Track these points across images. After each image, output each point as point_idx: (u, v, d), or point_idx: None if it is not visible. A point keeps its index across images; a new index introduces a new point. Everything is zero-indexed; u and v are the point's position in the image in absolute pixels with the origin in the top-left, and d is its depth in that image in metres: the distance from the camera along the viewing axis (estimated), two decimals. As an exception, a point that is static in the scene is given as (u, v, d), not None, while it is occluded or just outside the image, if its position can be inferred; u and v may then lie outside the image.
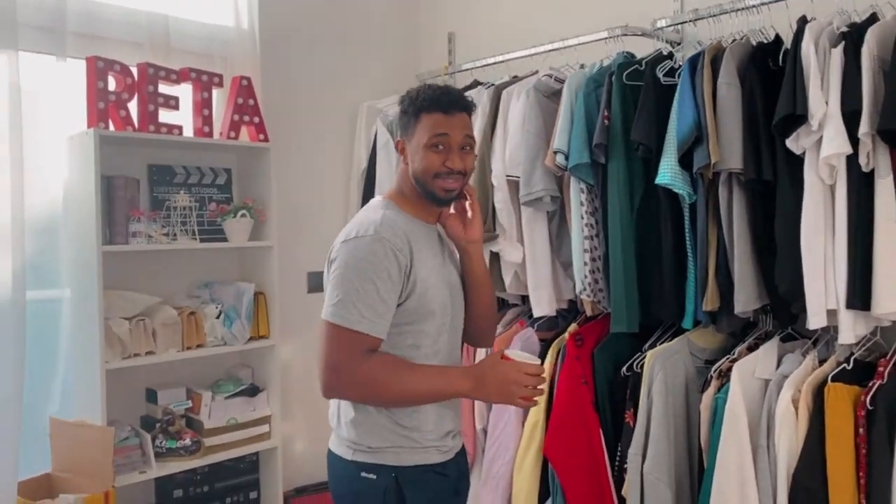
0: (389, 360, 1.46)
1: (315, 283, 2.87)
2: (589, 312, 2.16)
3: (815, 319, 1.66)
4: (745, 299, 1.78)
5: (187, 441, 2.34)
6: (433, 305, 1.51)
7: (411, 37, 3.28)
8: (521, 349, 2.27)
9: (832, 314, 1.67)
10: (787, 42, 1.82)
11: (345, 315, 1.40)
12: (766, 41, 1.88)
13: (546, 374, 1.86)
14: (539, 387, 1.49)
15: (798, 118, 1.63)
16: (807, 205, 1.66)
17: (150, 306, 2.34)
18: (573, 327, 2.22)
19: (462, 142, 1.53)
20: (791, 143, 1.67)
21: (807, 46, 1.64)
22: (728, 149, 1.75)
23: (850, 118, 1.59)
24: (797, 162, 1.68)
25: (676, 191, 1.87)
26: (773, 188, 1.74)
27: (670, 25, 2.15)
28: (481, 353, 2.32)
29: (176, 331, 2.35)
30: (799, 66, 1.64)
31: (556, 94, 2.26)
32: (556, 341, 2.23)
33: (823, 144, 1.60)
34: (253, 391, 2.53)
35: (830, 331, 1.79)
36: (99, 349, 2.14)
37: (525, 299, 2.47)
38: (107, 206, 2.26)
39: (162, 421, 2.36)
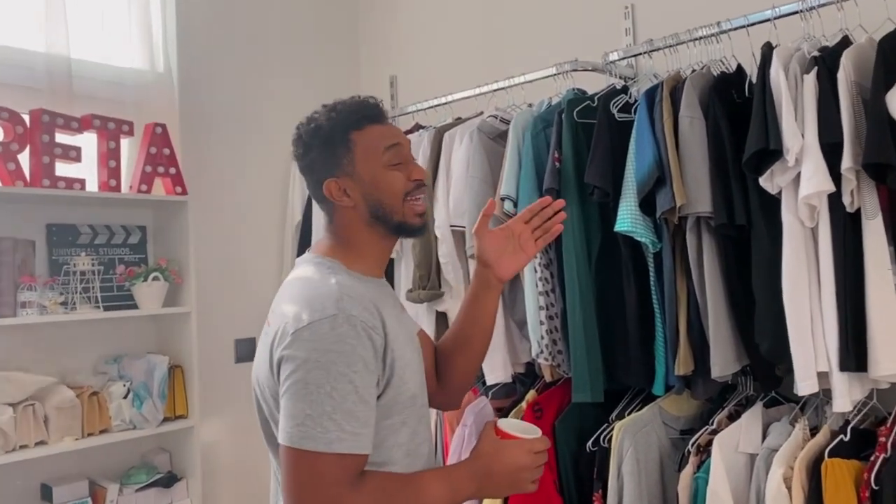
0: (382, 484, 1.09)
1: (244, 352, 2.56)
2: (548, 378, 1.91)
3: (805, 385, 1.43)
4: (723, 362, 1.55)
5: (86, 547, 2.00)
6: (414, 387, 1.17)
7: (351, 81, 3.07)
8: (473, 421, 2.01)
9: (823, 376, 1.45)
10: (751, 72, 1.65)
11: (319, 436, 1.01)
12: (728, 71, 1.70)
13: None
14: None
15: (771, 153, 1.43)
16: (787, 251, 1.44)
17: (43, 388, 2.02)
18: (531, 395, 1.96)
19: (410, 150, 1.26)
20: (765, 182, 1.46)
21: (776, 73, 1.45)
22: (695, 190, 1.55)
23: (830, 151, 1.39)
24: (773, 203, 1.48)
25: (638, 238, 1.65)
26: (747, 233, 1.54)
27: (623, 58, 1.97)
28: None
29: (74, 415, 2.02)
30: (769, 95, 1.45)
31: (501, 136, 2.06)
32: (514, 411, 1.97)
33: (802, 182, 1.40)
34: (169, 481, 2.20)
35: (820, 394, 1.57)
36: (-27, 443, 1.81)
37: (477, 363, 2.23)
38: (-10, 272, 1.96)
39: (56, 523, 2.01)
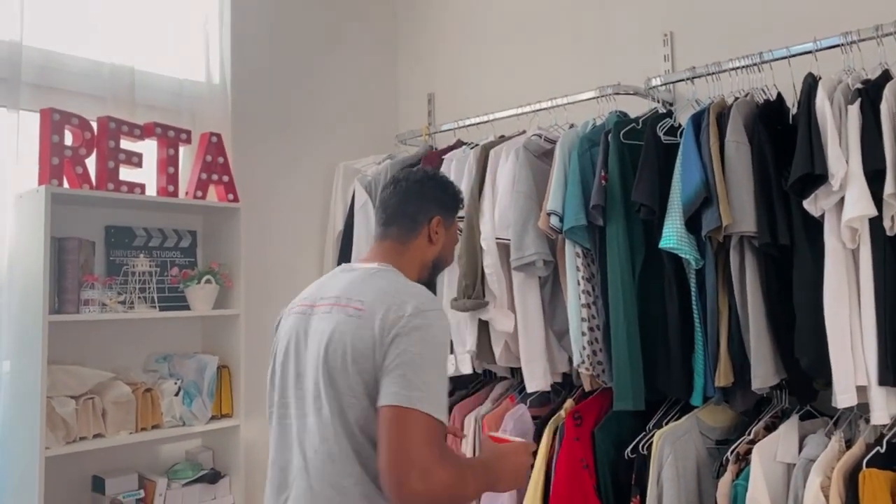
0: (455, 455, 1.36)
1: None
2: (587, 387, 1.98)
3: (844, 398, 1.51)
4: (763, 374, 1.63)
5: (137, 537, 2.07)
6: None
7: (390, 97, 3.18)
8: (513, 428, 2.08)
9: (861, 390, 1.52)
10: (790, 101, 1.74)
11: (436, 403, 1.19)
12: (770, 99, 1.79)
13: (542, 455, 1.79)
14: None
15: (816, 178, 1.52)
16: (828, 271, 1.53)
17: (101, 383, 2.10)
18: (570, 404, 2.04)
19: None
20: (809, 205, 1.55)
21: (821, 103, 1.55)
22: (740, 210, 1.63)
23: (872, 178, 1.48)
24: (815, 225, 1.57)
25: (682, 255, 1.74)
26: (788, 253, 1.62)
27: (666, 84, 2.06)
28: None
29: (129, 410, 2.10)
30: (814, 123, 1.54)
31: (546, 155, 2.15)
32: (553, 419, 2.04)
33: (846, 207, 1.49)
34: (213, 477, 2.28)
35: (854, 409, 1.64)
36: (38, 433, 1.89)
37: (514, 371, 2.30)
38: (56, 270, 2.05)
39: (109, 514, 2.09)
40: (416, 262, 1.44)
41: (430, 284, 1.49)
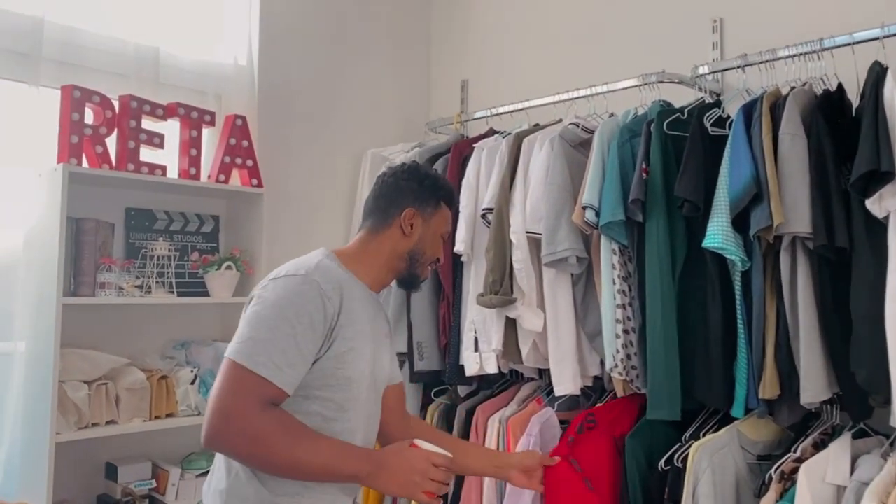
0: (288, 419, 1.27)
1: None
2: (619, 393, 1.87)
3: (906, 416, 1.37)
4: (814, 388, 1.50)
5: (148, 528, 2.02)
6: (351, 371, 1.35)
7: (421, 83, 3.08)
8: (539, 431, 1.98)
9: (923, 410, 1.39)
10: (852, 93, 1.60)
11: (251, 355, 1.24)
12: (830, 90, 1.65)
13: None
14: (445, 482, 1.35)
15: (882, 175, 1.38)
16: (892, 277, 1.39)
17: (115, 368, 2.05)
18: (595, 408, 1.92)
19: None
20: (872, 205, 1.42)
21: (890, 94, 1.41)
22: (793, 209, 1.50)
23: (945, 177, 1.34)
24: (878, 226, 1.43)
25: (728, 256, 1.61)
26: (846, 256, 1.49)
27: (714, 72, 1.93)
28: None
29: (143, 397, 2.05)
30: (882, 115, 1.41)
31: (583, 145, 2.03)
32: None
33: (915, 207, 1.35)
34: (228, 469, 2.21)
35: (913, 428, 1.51)
36: (49, 418, 1.84)
37: (542, 373, 2.20)
38: (73, 251, 2.00)
39: (121, 503, 2.03)
40: (383, 252, 1.46)
41: (413, 276, 1.50)
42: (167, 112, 2.19)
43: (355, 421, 1.38)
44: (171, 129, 2.22)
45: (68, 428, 1.90)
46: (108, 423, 1.99)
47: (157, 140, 2.16)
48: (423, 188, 1.49)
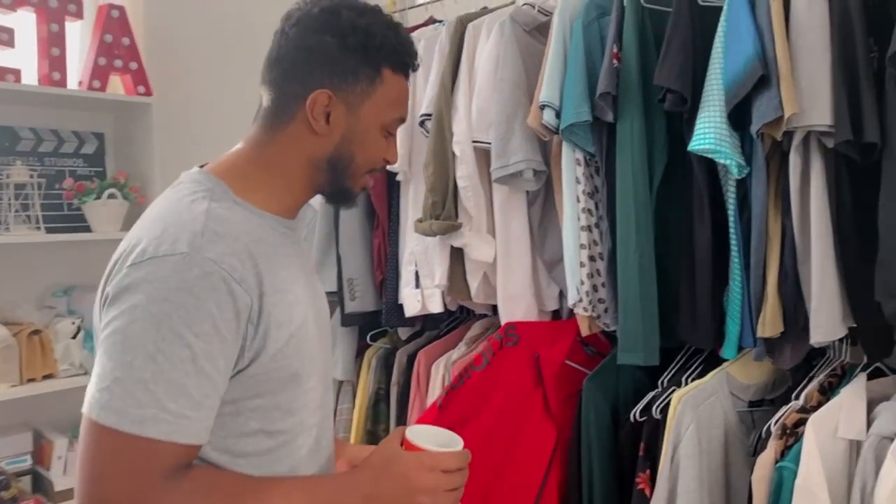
0: (210, 483, 0.83)
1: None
2: (585, 331, 1.58)
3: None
4: (829, 324, 1.23)
5: (29, 510, 1.70)
6: (297, 364, 0.89)
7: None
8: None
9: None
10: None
11: (127, 410, 0.76)
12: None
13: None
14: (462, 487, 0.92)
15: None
16: (936, 183, 1.08)
17: (-30, 324, 1.67)
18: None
19: None
20: (914, 87, 1.08)
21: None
22: (811, 96, 1.19)
23: None
24: (920, 116, 1.10)
25: (720, 160, 1.29)
26: (875, 156, 1.17)
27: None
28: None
29: (9, 358, 1.69)
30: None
31: (540, 29, 1.70)
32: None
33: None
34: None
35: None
36: None
37: (496, 308, 1.89)
38: None
39: (-7, 482, 1.71)
40: (290, 161, 0.94)
41: (342, 191, 0.98)
42: (16, 2, 1.74)
43: (306, 421, 0.94)
44: (23, 23, 1.77)
45: (-90, 400, 1.55)
46: (-36, 390, 1.63)
47: (4, 36, 1.72)
48: (345, 48, 0.91)
